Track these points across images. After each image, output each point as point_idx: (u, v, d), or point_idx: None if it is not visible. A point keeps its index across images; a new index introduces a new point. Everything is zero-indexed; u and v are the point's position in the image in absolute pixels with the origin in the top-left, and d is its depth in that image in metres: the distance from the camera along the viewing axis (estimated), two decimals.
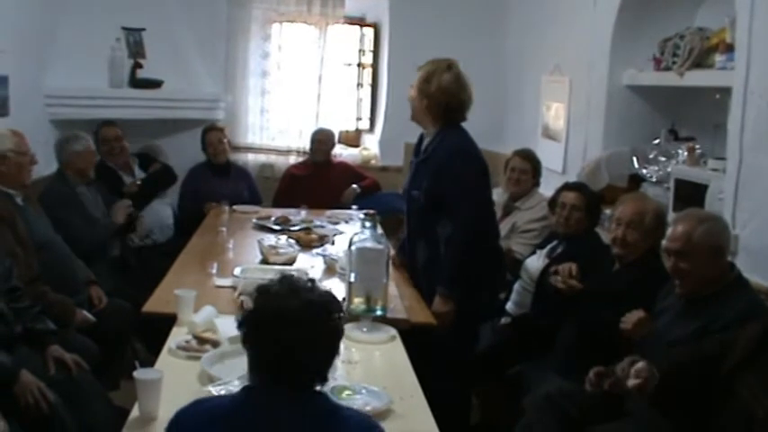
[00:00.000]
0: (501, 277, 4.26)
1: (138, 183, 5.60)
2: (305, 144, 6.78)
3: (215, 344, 3.00)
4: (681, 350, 2.82)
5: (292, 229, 5.12)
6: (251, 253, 4.49)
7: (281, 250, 4.34)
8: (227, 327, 3.05)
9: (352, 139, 7.60)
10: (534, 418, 3.30)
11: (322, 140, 6.50)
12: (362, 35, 7.55)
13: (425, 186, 3.86)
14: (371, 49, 7.53)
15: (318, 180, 6.35)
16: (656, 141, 4.65)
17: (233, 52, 6.86)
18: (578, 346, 3.62)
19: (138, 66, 6.31)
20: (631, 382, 2.68)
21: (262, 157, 7.03)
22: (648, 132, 4.79)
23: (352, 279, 3.37)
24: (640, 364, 2.69)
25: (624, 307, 3.26)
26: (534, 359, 3.97)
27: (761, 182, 3.44)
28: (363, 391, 2.62)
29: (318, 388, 2.02)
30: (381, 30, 7.39)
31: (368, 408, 2.46)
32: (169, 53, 6.45)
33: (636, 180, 4.70)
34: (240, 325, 2.04)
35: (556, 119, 5.79)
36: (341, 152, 7.08)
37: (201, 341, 3.03)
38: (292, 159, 6.95)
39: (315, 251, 4.59)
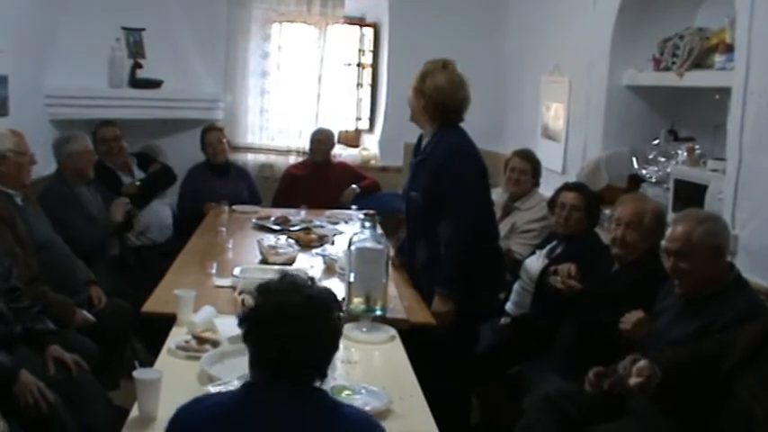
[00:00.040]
0: (501, 277, 4.25)
1: (138, 183, 5.60)
2: (304, 144, 6.78)
3: (214, 344, 3.00)
4: (681, 350, 2.82)
5: (292, 229, 5.12)
6: (250, 253, 4.49)
7: (281, 250, 4.34)
8: (227, 327, 3.06)
9: (352, 140, 7.60)
10: (534, 419, 3.30)
11: (322, 140, 6.50)
12: (362, 35, 7.55)
13: (424, 187, 3.86)
14: (371, 49, 7.53)
15: (318, 180, 6.35)
16: (656, 142, 4.65)
17: (233, 52, 6.86)
18: (578, 346, 3.62)
19: (137, 66, 6.31)
20: (633, 381, 2.69)
21: (261, 157, 7.03)
22: (648, 133, 4.79)
23: (352, 279, 3.37)
24: (642, 363, 2.69)
25: (624, 307, 3.26)
26: (534, 359, 3.97)
27: (760, 182, 3.44)
28: (363, 390, 2.62)
29: (318, 384, 2.03)
30: (381, 30, 7.39)
31: (367, 408, 2.45)
32: (169, 53, 6.45)
33: (635, 180, 4.69)
34: (241, 322, 2.05)
35: (555, 119, 5.79)
36: (340, 152, 7.07)
37: (201, 341, 3.03)
38: (292, 159, 6.95)
39: (314, 251, 4.59)
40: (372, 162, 7.19)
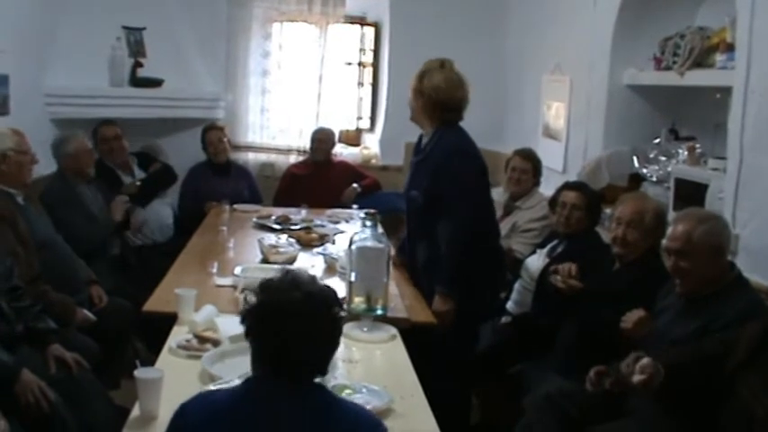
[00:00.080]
0: (501, 277, 4.25)
1: (138, 183, 5.60)
2: (305, 143, 6.77)
3: (215, 343, 3.00)
4: (682, 350, 2.82)
5: (293, 228, 5.12)
6: (251, 252, 4.49)
7: (282, 249, 4.35)
8: (228, 326, 3.06)
9: (353, 139, 7.60)
10: (534, 418, 3.30)
11: (322, 140, 6.50)
12: (363, 34, 7.54)
13: (424, 186, 3.86)
14: (372, 48, 7.52)
15: (319, 179, 6.35)
16: (657, 141, 4.65)
17: (233, 51, 6.86)
18: (578, 345, 3.62)
19: (138, 65, 6.31)
20: (636, 378, 2.68)
21: (262, 157, 7.03)
22: (649, 132, 4.79)
23: (353, 278, 3.37)
24: (645, 360, 2.69)
25: (624, 306, 3.27)
26: (534, 359, 3.97)
27: (761, 181, 3.44)
28: (364, 390, 2.62)
29: (318, 381, 2.05)
30: (382, 29, 7.39)
31: (368, 407, 2.45)
32: (170, 52, 6.45)
33: (636, 179, 4.70)
34: (243, 318, 2.07)
35: (556, 118, 5.79)
36: (341, 151, 7.08)
37: (202, 340, 3.03)
38: (293, 158, 6.95)
39: (315, 250, 4.59)
40: (373, 161, 7.20)
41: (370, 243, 3.37)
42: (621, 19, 4.84)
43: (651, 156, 4.57)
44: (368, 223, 3.44)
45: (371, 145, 7.45)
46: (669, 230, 3.09)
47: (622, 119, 4.97)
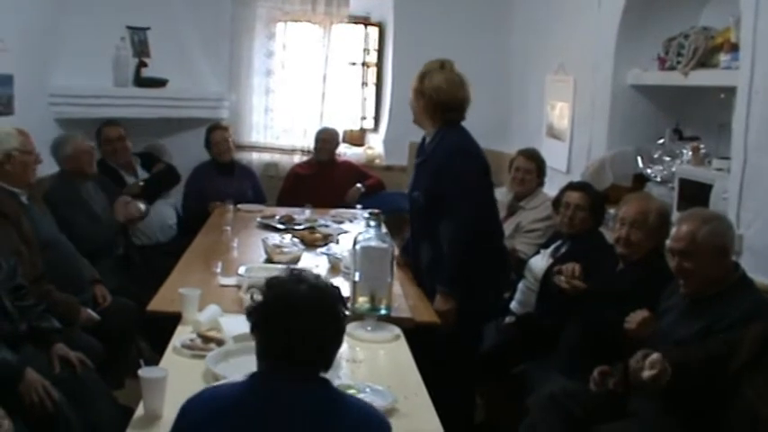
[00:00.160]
0: (505, 277, 4.25)
1: (142, 183, 5.60)
2: (309, 143, 6.79)
3: (219, 342, 3.00)
4: (688, 349, 2.81)
5: (297, 228, 5.12)
6: (255, 252, 4.49)
7: (286, 249, 4.35)
8: (232, 325, 3.07)
9: (357, 139, 7.60)
10: (538, 418, 3.30)
11: (326, 140, 6.51)
12: (367, 34, 7.54)
13: (426, 186, 3.86)
14: (376, 48, 7.53)
15: (323, 179, 6.35)
16: (661, 141, 4.64)
17: (237, 51, 6.87)
18: (582, 345, 3.62)
19: (142, 65, 6.32)
20: (646, 374, 2.68)
21: (266, 156, 7.03)
22: (653, 132, 4.79)
23: (357, 278, 3.37)
24: (655, 356, 2.69)
25: (628, 307, 3.26)
26: (538, 359, 3.97)
27: (765, 182, 3.44)
28: (367, 389, 2.62)
29: (322, 375, 2.07)
30: (386, 29, 7.39)
31: None
32: (174, 52, 6.46)
33: (640, 180, 4.69)
34: (249, 314, 2.09)
35: (560, 118, 5.78)
36: (345, 151, 7.07)
37: (206, 340, 3.03)
38: (297, 158, 6.95)
39: (319, 250, 4.59)
40: (377, 161, 7.20)
41: (374, 243, 3.37)
42: (626, 19, 4.83)
43: (655, 156, 4.57)
44: (372, 223, 3.44)
45: (375, 145, 7.45)
46: (673, 231, 3.09)
47: (626, 119, 4.96)
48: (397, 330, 3.32)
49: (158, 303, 3.54)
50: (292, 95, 7.01)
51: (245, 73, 6.90)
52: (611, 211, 4.17)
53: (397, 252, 3.89)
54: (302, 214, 5.51)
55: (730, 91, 3.77)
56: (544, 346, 3.95)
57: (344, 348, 2.71)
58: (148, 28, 6.38)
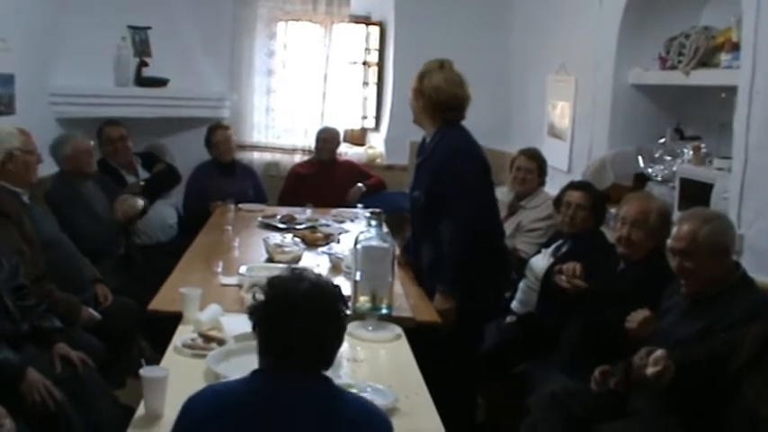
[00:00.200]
0: (506, 276, 4.25)
1: (142, 183, 5.60)
2: (310, 143, 6.79)
3: (220, 342, 3.01)
4: (689, 349, 2.81)
5: (298, 227, 5.13)
6: (256, 251, 4.50)
7: (287, 249, 4.35)
8: (233, 325, 3.08)
9: (358, 138, 7.60)
10: (539, 417, 3.30)
11: (327, 139, 6.51)
12: (368, 33, 7.54)
13: (426, 186, 3.87)
14: (377, 47, 7.53)
15: (324, 179, 6.35)
16: (662, 140, 4.64)
17: (238, 51, 6.87)
18: (583, 345, 3.62)
19: (143, 64, 6.32)
20: (651, 370, 2.68)
21: (267, 156, 7.03)
22: (654, 131, 4.79)
23: (358, 278, 3.37)
24: (659, 352, 2.69)
25: (629, 306, 3.26)
26: (539, 358, 3.97)
27: (766, 181, 3.44)
28: (368, 389, 2.62)
29: (324, 372, 2.08)
30: (387, 28, 7.39)
31: None
32: (175, 52, 6.47)
33: (641, 179, 4.69)
34: (251, 313, 2.10)
35: (561, 118, 5.78)
36: (346, 151, 7.07)
37: (207, 339, 3.03)
38: (298, 158, 6.95)
39: (320, 250, 4.60)
40: (378, 161, 7.20)
41: (375, 242, 3.38)
42: (627, 18, 4.83)
43: (656, 155, 4.57)
44: (373, 223, 3.44)
45: (376, 144, 7.45)
46: (674, 230, 3.09)
47: (627, 118, 4.96)
48: (398, 330, 3.32)
49: (159, 303, 3.54)
50: (293, 95, 7.00)
51: (247, 72, 6.90)
52: (612, 210, 4.17)
53: (398, 251, 3.90)
54: (303, 214, 5.52)
55: (731, 90, 3.77)
56: (545, 346, 3.95)
57: (345, 348, 2.71)
58: (149, 27, 6.39)
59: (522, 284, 4.47)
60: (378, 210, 3.55)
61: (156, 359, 2.95)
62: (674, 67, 4.41)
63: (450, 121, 3.86)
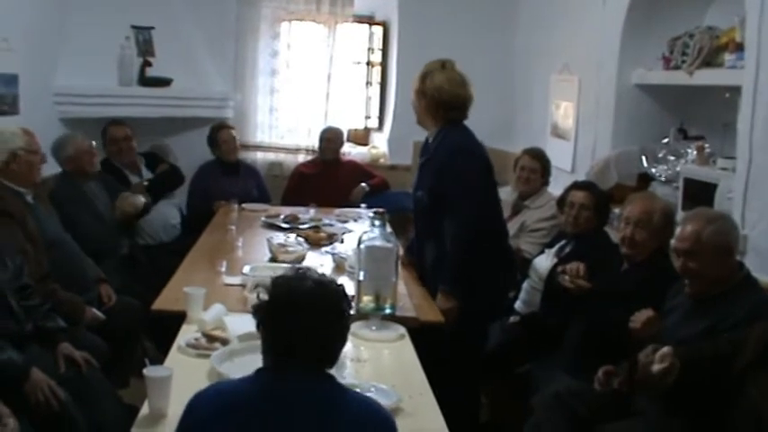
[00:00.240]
0: (510, 276, 4.25)
1: (145, 183, 5.60)
2: (314, 142, 6.79)
3: (224, 342, 3.01)
4: (693, 348, 2.81)
5: (301, 227, 5.12)
6: (260, 251, 4.50)
7: (290, 248, 4.35)
8: (237, 324, 3.07)
9: (361, 138, 7.60)
10: (543, 417, 3.30)
11: (331, 139, 6.51)
12: (371, 33, 7.54)
13: (429, 186, 3.86)
14: (380, 47, 7.52)
15: (327, 178, 6.35)
16: (666, 140, 4.64)
17: (242, 51, 6.87)
18: (587, 345, 3.62)
19: (147, 64, 6.32)
20: (656, 367, 2.68)
21: (271, 156, 7.04)
22: (657, 131, 4.79)
23: (362, 277, 3.37)
24: (665, 349, 2.69)
25: (633, 306, 3.26)
26: (543, 358, 3.97)
27: None
28: (372, 389, 2.62)
29: (327, 371, 2.09)
30: (390, 28, 7.39)
31: None
32: (178, 52, 6.47)
33: (645, 179, 4.69)
34: (255, 311, 2.11)
35: (565, 118, 5.78)
36: (350, 151, 7.07)
37: (211, 339, 3.04)
38: (301, 158, 6.95)
39: (324, 249, 4.59)
40: (381, 160, 7.20)
41: (378, 242, 3.37)
42: (630, 18, 4.83)
43: (660, 155, 4.57)
44: (376, 222, 3.44)
45: (380, 144, 7.46)
46: (678, 230, 3.09)
47: (631, 118, 4.96)
48: (402, 330, 3.32)
49: (163, 302, 3.54)
50: (297, 95, 7.00)
51: (250, 72, 6.90)
52: (616, 210, 4.17)
53: (401, 251, 3.89)
54: (307, 213, 5.52)
55: (735, 90, 3.77)
56: (549, 346, 3.95)
57: (349, 348, 2.71)
58: (153, 27, 6.39)
59: (525, 284, 4.47)
60: (381, 210, 3.54)
61: (159, 359, 2.95)
62: (677, 67, 4.41)
63: (452, 120, 3.86)
